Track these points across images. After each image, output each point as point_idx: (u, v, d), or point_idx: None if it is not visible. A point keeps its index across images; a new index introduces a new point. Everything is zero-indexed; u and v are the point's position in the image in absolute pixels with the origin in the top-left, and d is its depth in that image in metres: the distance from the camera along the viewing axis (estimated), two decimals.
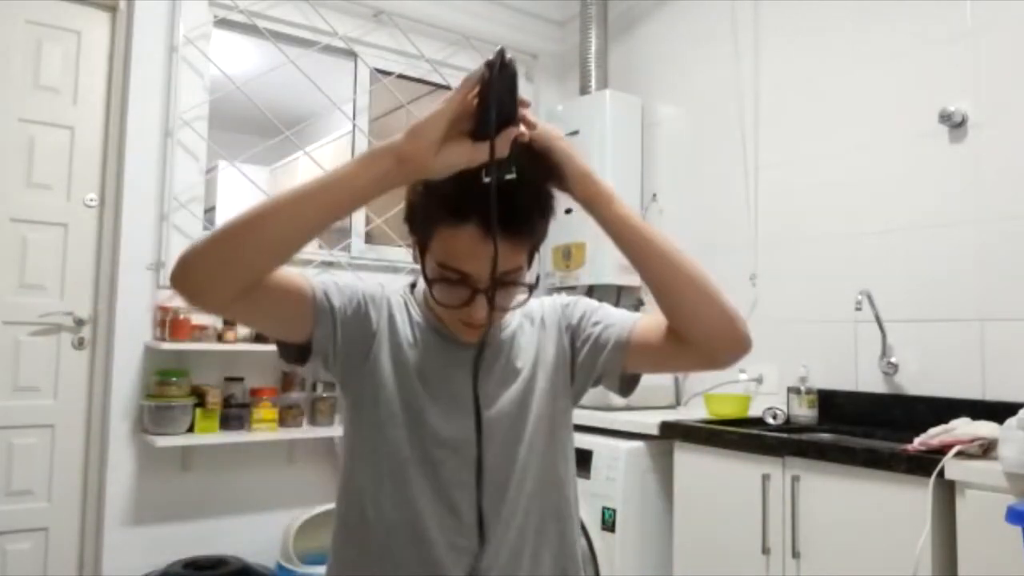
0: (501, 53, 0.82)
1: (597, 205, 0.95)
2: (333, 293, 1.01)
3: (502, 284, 0.95)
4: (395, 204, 3.14)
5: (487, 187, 0.85)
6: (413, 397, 1.03)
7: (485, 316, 0.94)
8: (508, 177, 0.85)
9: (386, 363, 1.03)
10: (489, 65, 0.81)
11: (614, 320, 1.09)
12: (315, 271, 2.92)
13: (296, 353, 1.01)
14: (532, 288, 1.01)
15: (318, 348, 1.00)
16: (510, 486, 1.04)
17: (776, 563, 1.98)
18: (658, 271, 0.97)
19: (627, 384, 1.12)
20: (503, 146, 0.84)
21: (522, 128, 0.88)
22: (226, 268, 0.85)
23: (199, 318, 2.60)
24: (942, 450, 1.68)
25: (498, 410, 1.04)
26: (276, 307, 0.95)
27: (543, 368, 1.09)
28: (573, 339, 1.11)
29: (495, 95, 0.81)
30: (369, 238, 3.18)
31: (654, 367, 1.11)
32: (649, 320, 1.06)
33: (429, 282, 0.98)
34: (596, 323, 1.10)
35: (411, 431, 1.02)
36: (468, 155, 0.84)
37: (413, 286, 1.13)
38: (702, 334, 0.98)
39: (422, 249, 0.99)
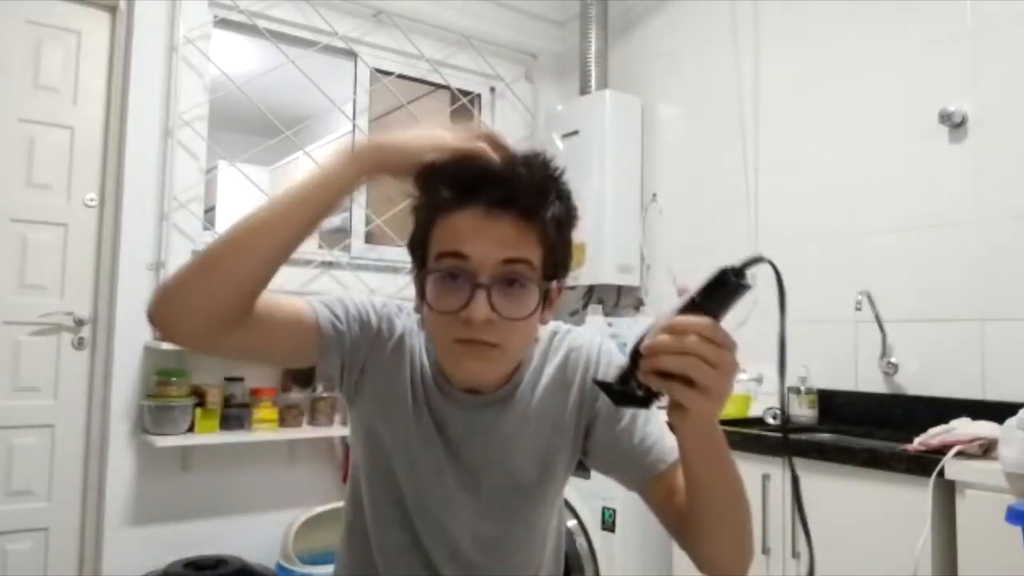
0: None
1: (706, 424, 0.79)
2: (341, 322, 0.92)
3: (505, 279, 0.83)
4: (395, 204, 3.15)
5: (495, 170, 0.83)
6: (403, 447, 0.96)
7: (483, 315, 0.81)
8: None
9: (385, 398, 0.96)
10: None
11: (655, 437, 0.95)
12: (314, 272, 2.92)
13: (302, 376, 0.97)
14: (548, 295, 0.88)
15: (322, 375, 0.95)
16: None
17: (776, 563, 1.98)
18: (719, 501, 0.85)
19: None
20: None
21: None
22: (208, 288, 0.78)
23: None
24: (942, 450, 1.68)
25: (499, 479, 0.97)
26: (275, 340, 0.87)
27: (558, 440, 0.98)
28: (591, 424, 0.98)
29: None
30: (369, 238, 3.18)
31: (653, 510, 0.96)
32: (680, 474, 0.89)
33: (426, 300, 0.85)
34: (630, 431, 0.96)
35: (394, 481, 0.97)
36: None
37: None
38: (713, 560, 0.88)
39: (422, 270, 0.87)
